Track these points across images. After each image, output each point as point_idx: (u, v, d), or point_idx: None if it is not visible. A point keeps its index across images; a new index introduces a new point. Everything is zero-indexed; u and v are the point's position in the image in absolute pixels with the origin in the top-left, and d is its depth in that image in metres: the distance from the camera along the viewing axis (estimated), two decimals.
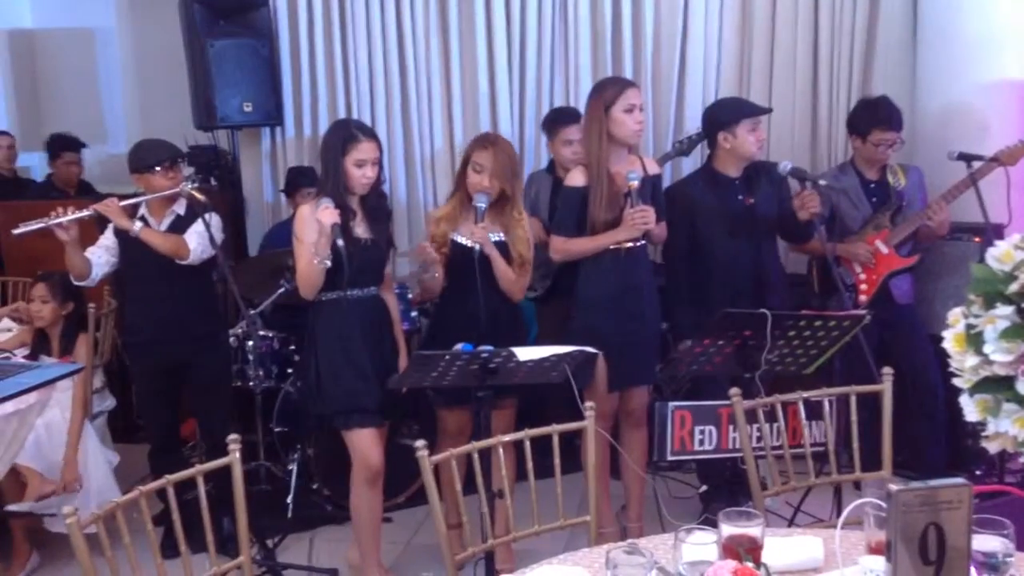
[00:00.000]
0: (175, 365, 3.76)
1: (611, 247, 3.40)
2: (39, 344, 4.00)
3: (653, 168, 3.55)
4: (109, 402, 4.43)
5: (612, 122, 3.35)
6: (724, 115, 3.69)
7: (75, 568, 3.64)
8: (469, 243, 3.30)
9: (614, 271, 3.44)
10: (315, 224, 3.14)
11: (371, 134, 3.29)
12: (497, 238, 3.36)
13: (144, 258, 3.59)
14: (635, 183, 3.34)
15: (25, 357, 3.90)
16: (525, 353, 2.79)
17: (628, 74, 4.84)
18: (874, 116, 3.95)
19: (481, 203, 3.29)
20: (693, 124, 4.91)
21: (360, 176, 3.21)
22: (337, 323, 3.28)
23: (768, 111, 3.81)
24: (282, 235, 4.75)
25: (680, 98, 4.94)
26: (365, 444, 3.27)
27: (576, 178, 3.45)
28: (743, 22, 4.85)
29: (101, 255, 3.69)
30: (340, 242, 3.14)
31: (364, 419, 3.27)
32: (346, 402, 3.26)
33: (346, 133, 3.25)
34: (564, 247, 3.48)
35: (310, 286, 3.23)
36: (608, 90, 3.40)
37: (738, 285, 3.64)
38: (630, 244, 3.42)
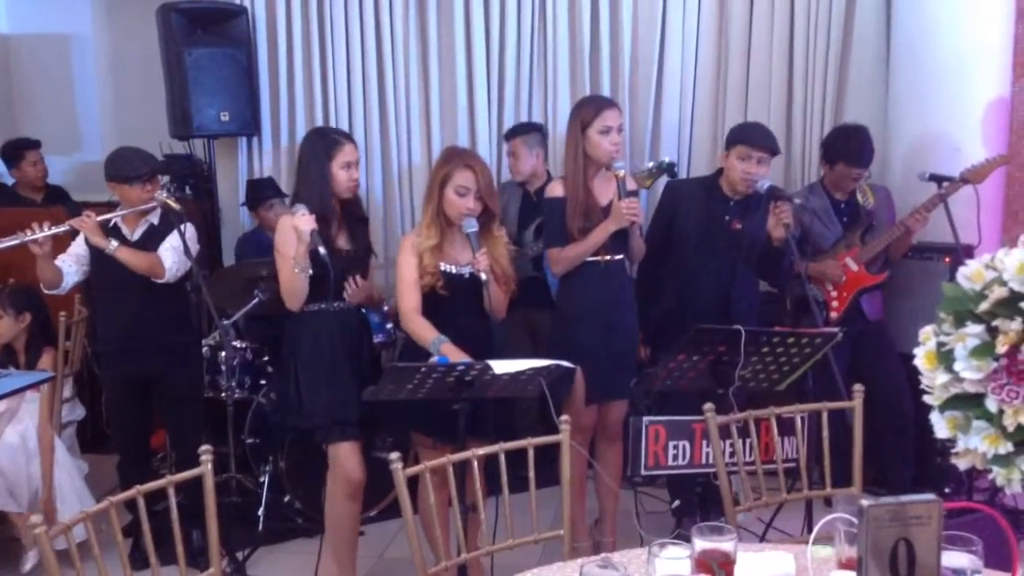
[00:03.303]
0: (145, 375, 3.73)
1: (591, 259, 3.42)
2: (5, 358, 3.95)
3: (631, 184, 3.57)
4: (79, 412, 4.38)
5: (588, 142, 3.39)
6: (730, 134, 3.70)
7: None
8: (456, 270, 3.19)
9: (593, 284, 3.46)
10: (294, 234, 3.13)
11: (350, 137, 3.35)
12: None
13: (114, 267, 3.56)
14: (622, 172, 3.36)
15: None
16: (501, 366, 2.79)
17: (605, 90, 4.88)
18: (843, 150, 3.97)
19: (473, 228, 3.10)
20: (670, 140, 4.96)
21: (347, 179, 3.22)
22: (319, 335, 3.26)
23: (770, 151, 3.57)
24: (249, 247, 4.74)
25: (657, 114, 4.98)
26: (347, 457, 3.25)
27: (555, 189, 3.49)
28: (719, 42, 4.90)
29: (71, 264, 3.65)
30: (323, 250, 3.11)
31: (346, 432, 3.24)
32: (328, 415, 3.22)
33: (329, 139, 3.28)
34: (561, 256, 3.48)
35: (295, 297, 3.19)
36: (586, 110, 3.43)
37: (699, 303, 3.63)
38: (609, 257, 3.44)
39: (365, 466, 3.31)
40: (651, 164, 4.21)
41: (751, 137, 3.59)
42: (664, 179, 4.37)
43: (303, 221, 3.09)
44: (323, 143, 3.26)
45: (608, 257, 3.44)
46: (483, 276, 3.09)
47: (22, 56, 6.10)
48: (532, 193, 4.47)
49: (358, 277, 3.30)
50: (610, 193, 3.44)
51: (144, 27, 5.02)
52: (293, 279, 3.14)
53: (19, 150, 5.35)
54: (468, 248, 3.15)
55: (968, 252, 3.88)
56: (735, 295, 3.68)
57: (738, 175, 3.56)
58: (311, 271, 3.13)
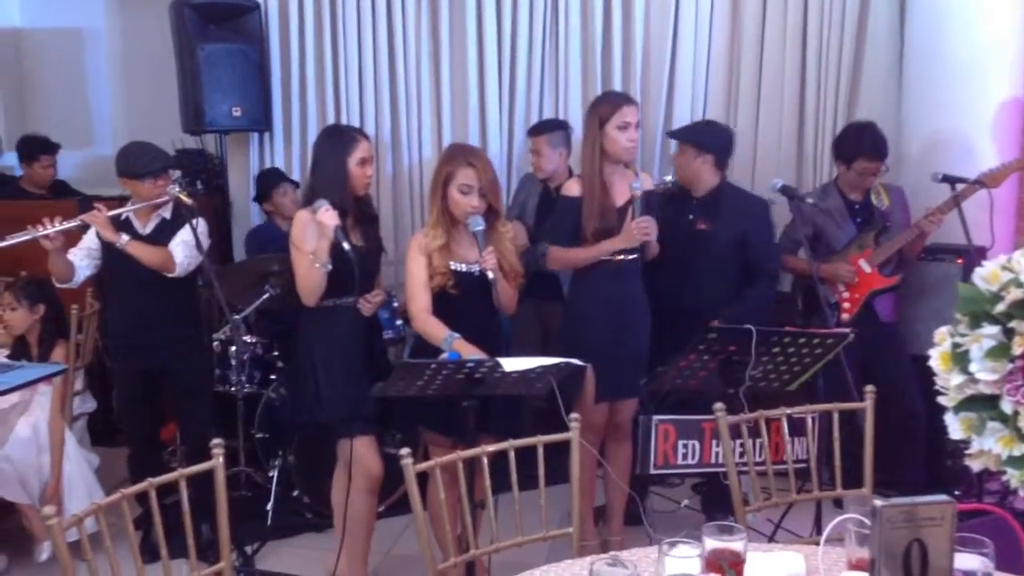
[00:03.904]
0: (156, 369, 3.74)
1: (604, 258, 3.42)
2: (19, 349, 3.96)
3: (648, 183, 3.57)
4: (90, 404, 4.40)
5: (606, 138, 3.38)
6: None
7: (53, 570, 3.64)
8: (465, 268, 3.17)
9: (606, 283, 3.45)
10: (314, 230, 3.11)
11: (365, 134, 3.37)
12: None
13: (126, 261, 3.57)
14: (638, 192, 3.36)
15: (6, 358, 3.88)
16: (511, 364, 2.78)
17: (617, 88, 4.86)
18: (859, 145, 3.95)
19: (479, 226, 3.07)
20: None
21: (362, 175, 3.24)
22: (337, 331, 3.25)
23: (684, 140, 3.80)
24: (256, 241, 4.74)
25: (668, 113, 4.97)
26: (367, 452, 3.26)
27: (572, 188, 3.48)
28: (732, 41, 4.90)
29: (83, 258, 3.66)
30: (347, 245, 3.10)
31: (366, 427, 3.25)
32: (349, 410, 3.21)
33: (347, 135, 3.30)
34: (562, 256, 3.49)
35: (312, 293, 3.17)
36: (604, 106, 3.42)
37: (662, 309, 3.59)
38: (622, 257, 3.43)
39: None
40: (669, 179, 4.19)
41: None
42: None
43: (328, 216, 3.07)
44: (340, 140, 3.27)
45: (621, 257, 3.43)
46: (491, 275, 3.07)
47: (35, 50, 6.12)
48: (552, 190, 4.46)
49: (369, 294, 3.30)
50: (626, 192, 3.43)
51: (157, 22, 5.04)
52: (313, 275, 3.13)
53: (37, 151, 5.39)
54: (475, 245, 3.14)
55: (981, 253, 3.86)
56: (702, 305, 3.61)
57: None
58: (330, 266, 3.12)
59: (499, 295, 3.12)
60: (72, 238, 3.66)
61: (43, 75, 6.12)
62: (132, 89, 6.00)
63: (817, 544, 1.83)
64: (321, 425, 3.32)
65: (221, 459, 2.16)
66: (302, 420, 3.44)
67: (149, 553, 2.40)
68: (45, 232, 3.40)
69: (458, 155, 3.18)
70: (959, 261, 4.07)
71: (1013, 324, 1.40)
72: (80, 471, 3.84)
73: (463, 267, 3.18)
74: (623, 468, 3.63)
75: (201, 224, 3.61)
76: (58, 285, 3.71)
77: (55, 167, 5.48)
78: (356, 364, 3.26)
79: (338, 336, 3.25)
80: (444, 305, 3.18)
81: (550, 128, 4.52)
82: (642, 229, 3.33)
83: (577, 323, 3.53)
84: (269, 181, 4.75)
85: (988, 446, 1.44)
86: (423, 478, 2.23)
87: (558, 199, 3.96)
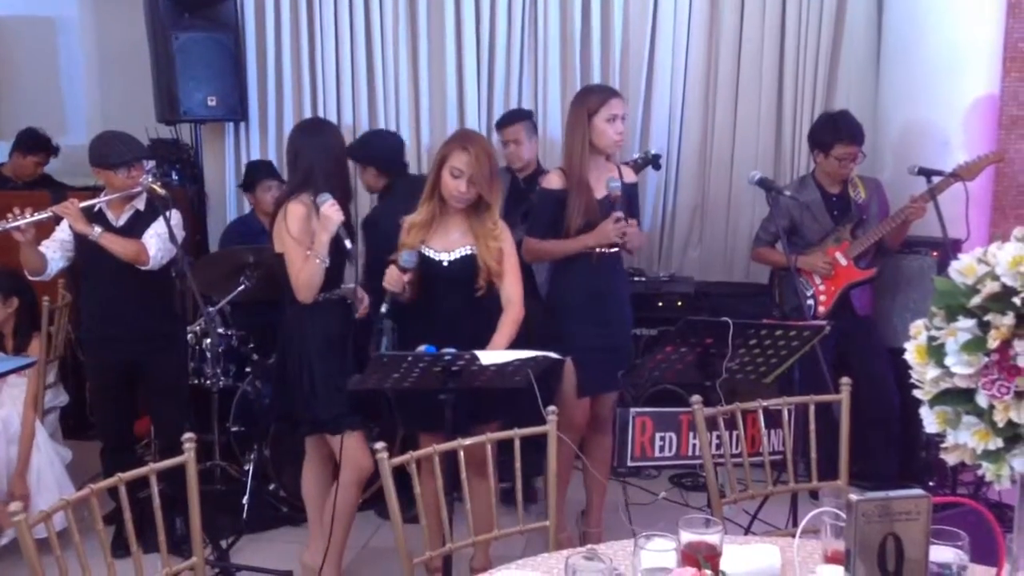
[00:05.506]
0: (129, 362, 3.69)
1: (585, 252, 3.40)
2: None
3: (630, 176, 3.55)
4: (62, 398, 4.34)
5: (593, 131, 3.36)
6: None
7: (22, 568, 3.59)
8: (436, 255, 3.13)
9: (586, 276, 3.43)
10: (311, 225, 3.08)
11: None
12: (465, 251, 3.14)
13: (99, 254, 3.52)
14: (617, 191, 3.34)
15: None
16: (488, 356, 2.77)
17: (596, 79, 4.85)
18: (836, 131, 3.96)
19: (410, 263, 3.07)
20: (659, 131, 4.95)
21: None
22: (331, 325, 3.22)
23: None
24: (233, 234, 4.69)
25: (647, 104, 4.97)
26: (361, 446, 3.22)
27: (553, 181, 3.45)
28: (710, 33, 4.90)
29: (56, 250, 3.60)
30: (349, 243, 3.07)
31: (359, 421, 3.23)
32: (346, 406, 3.17)
33: (336, 128, 3.34)
34: (537, 247, 3.47)
35: (312, 289, 3.12)
36: (592, 98, 3.40)
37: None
38: (603, 250, 3.41)
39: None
40: (636, 156, 4.20)
41: None
42: (649, 170, 4.37)
43: (334, 211, 3.05)
44: (337, 133, 3.26)
45: (602, 250, 3.41)
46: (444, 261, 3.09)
47: (7, 38, 6.04)
48: (521, 180, 4.43)
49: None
50: (605, 184, 3.41)
51: (131, 10, 4.97)
52: (311, 270, 3.08)
53: (38, 147, 5.31)
54: (462, 234, 3.13)
55: (956, 246, 3.88)
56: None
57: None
58: (328, 262, 3.08)
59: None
60: (44, 230, 3.60)
61: (16, 63, 6.03)
62: (106, 78, 5.93)
63: (793, 536, 1.83)
64: (320, 421, 3.26)
65: (192, 453, 2.14)
66: (298, 417, 3.37)
67: (122, 548, 2.37)
68: (15, 224, 3.35)
69: (457, 139, 3.16)
70: (934, 254, 4.09)
71: (989, 317, 1.39)
72: (50, 465, 3.80)
73: (433, 253, 3.13)
74: (603, 461, 3.62)
75: (175, 215, 3.56)
76: (30, 278, 3.66)
77: (44, 168, 5.42)
78: (346, 358, 3.22)
79: (331, 330, 3.22)
80: (423, 291, 3.14)
81: (523, 116, 4.49)
82: (619, 229, 3.31)
83: (557, 318, 3.51)
84: (257, 174, 4.69)
85: (963, 440, 1.43)
86: (402, 474, 2.21)
87: (528, 188, 3.94)
